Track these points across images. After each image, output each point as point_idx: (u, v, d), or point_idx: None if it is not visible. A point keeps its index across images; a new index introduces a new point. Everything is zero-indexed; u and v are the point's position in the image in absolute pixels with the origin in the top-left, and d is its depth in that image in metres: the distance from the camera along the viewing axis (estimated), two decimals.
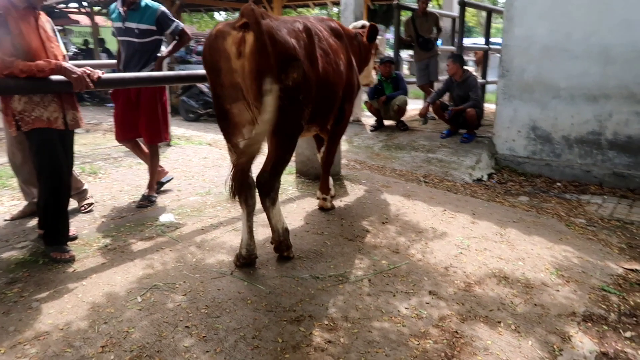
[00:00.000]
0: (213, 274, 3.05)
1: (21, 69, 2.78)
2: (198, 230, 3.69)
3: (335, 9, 17.58)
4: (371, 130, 7.20)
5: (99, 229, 3.68)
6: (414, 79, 8.22)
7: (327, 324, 2.58)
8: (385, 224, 3.99)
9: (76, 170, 5.20)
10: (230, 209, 4.16)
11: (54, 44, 3.09)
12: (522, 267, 3.32)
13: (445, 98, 6.91)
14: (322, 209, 4.23)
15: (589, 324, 2.71)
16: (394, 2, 7.70)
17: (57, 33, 3.23)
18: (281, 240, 3.20)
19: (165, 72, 3.88)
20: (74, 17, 17.50)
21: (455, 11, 8.71)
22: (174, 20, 3.93)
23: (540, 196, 5.07)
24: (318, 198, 4.26)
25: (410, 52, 11.49)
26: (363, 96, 7.64)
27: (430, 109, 6.61)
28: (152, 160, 4.21)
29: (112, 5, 3.95)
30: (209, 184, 4.93)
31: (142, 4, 3.83)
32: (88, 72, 3.04)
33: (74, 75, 2.92)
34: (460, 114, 6.19)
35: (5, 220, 3.82)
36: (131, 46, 3.84)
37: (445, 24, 9.96)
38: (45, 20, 3.12)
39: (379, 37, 4.53)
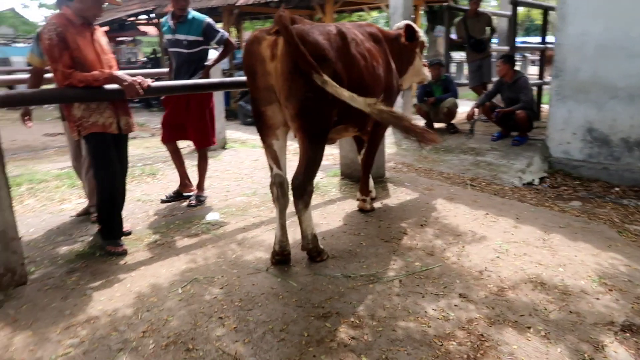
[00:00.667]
0: (249, 269, 3.22)
1: (79, 79, 3.09)
2: (240, 229, 3.89)
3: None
4: None
5: (151, 226, 3.97)
6: (466, 81, 8.08)
7: (352, 321, 2.66)
8: (424, 226, 4.00)
9: (137, 171, 5.62)
10: (273, 209, 4.31)
11: (108, 55, 3.39)
12: (561, 273, 3.23)
13: (498, 100, 6.75)
14: (361, 210, 4.30)
15: (627, 334, 2.61)
16: (444, 3, 7.62)
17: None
18: (310, 248, 3.31)
19: (209, 80, 4.11)
20: (142, 28, 18.59)
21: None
22: (218, 31, 4.17)
23: (594, 201, 4.85)
24: (357, 199, 4.34)
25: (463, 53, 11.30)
26: (413, 99, 7.61)
27: (477, 111, 6.48)
28: (202, 162, 4.47)
29: (164, 19, 4.25)
30: (256, 185, 5.14)
31: (190, 16, 4.11)
32: (139, 80, 3.31)
33: (126, 84, 3.19)
34: (510, 116, 6.03)
35: (71, 216, 4.21)
36: (180, 56, 4.13)
37: (502, 23, 9.70)
38: (100, 34, 3.42)
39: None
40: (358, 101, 2.93)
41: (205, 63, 4.24)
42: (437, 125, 7.25)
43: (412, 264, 3.34)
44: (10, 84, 10.95)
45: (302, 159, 3.17)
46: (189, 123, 4.22)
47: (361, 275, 3.18)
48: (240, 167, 6.02)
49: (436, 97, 6.79)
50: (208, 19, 4.16)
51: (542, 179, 5.55)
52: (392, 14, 7.43)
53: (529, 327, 2.63)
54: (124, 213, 4.05)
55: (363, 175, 4.29)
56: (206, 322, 2.62)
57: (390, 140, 7.25)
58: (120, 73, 3.24)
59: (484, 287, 3.04)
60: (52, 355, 2.32)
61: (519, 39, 25.34)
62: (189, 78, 4.08)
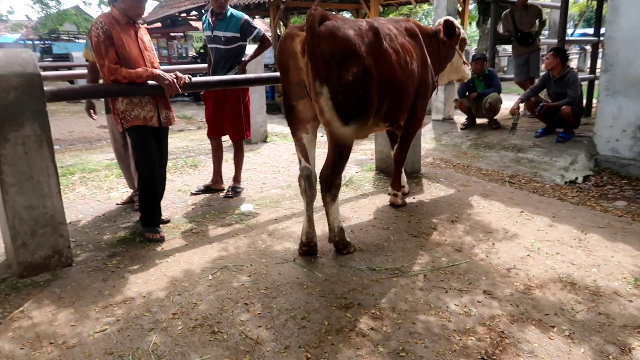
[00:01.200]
0: (277, 259, 3.33)
1: (123, 75, 3.29)
2: (272, 220, 4.01)
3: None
4: (461, 129, 7.04)
5: (188, 215, 4.16)
6: (511, 76, 7.86)
7: (373, 313, 2.71)
8: (455, 222, 3.97)
9: (180, 162, 5.86)
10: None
11: (150, 53, 3.57)
12: (595, 274, 3.14)
13: (544, 96, 6.53)
14: (392, 205, 4.32)
15: None
16: None
17: (152, 44, 3.72)
18: (337, 240, 3.37)
19: (244, 75, 4.23)
20: (194, 24, 19.18)
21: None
22: (255, 27, 4.29)
23: None
24: (389, 194, 4.36)
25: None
26: (454, 94, 7.48)
27: (522, 106, 6.28)
28: (238, 154, 4.63)
29: (204, 16, 4.42)
30: (292, 179, 5.25)
31: (228, 13, 4.24)
32: (176, 76, 3.48)
33: (166, 82, 3.36)
34: (555, 111, 5.82)
35: (117, 204, 4.47)
36: (218, 52, 4.29)
37: (554, 15, 9.32)
38: (144, 32, 3.61)
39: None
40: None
41: (242, 59, 4.37)
42: (479, 120, 7.10)
43: (438, 260, 3.34)
44: (71, 79, 11.60)
45: (330, 153, 3.23)
46: (225, 117, 4.38)
47: (386, 268, 3.21)
48: (279, 161, 6.15)
49: (478, 92, 6.65)
50: (245, 16, 4.29)
51: (586, 177, 5.35)
52: (436, 7, 7.33)
53: (553, 327, 2.59)
54: (164, 202, 4.28)
55: (395, 170, 4.31)
56: (232, 307, 2.75)
57: (430, 136, 7.18)
58: (162, 72, 3.41)
59: (510, 285, 3.00)
60: (90, 331, 2.52)
61: (579, 31, 24.18)
62: (226, 73, 4.23)
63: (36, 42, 25.82)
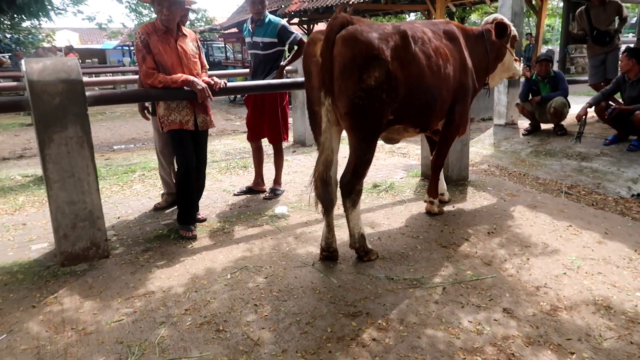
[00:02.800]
0: (297, 263, 3.36)
1: (159, 80, 3.49)
2: (302, 223, 4.04)
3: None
4: (524, 135, 6.63)
5: (225, 215, 4.32)
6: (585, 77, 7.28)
7: (379, 323, 2.65)
8: (491, 234, 3.77)
9: (232, 163, 6.08)
10: (339, 207, 4.41)
11: (191, 60, 3.74)
12: (637, 298, 2.84)
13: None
14: (428, 213, 4.19)
15: None
16: None
17: (201, 49, 3.90)
18: (357, 247, 3.33)
19: (280, 80, 4.31)
20: None
21: None
22: (292, 32, 4.35)
23: None
24: (425, 201, 4.23)
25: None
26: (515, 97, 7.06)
27: (592, 111, 5.79)
28: (277, 157, 4.72)
29: (245, 24, 4.56)
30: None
31: (266, 20, 4.35)
32: (212, 83, 3.63)
33: (199, 88, 3.52)
34: (627, 116, 5.31)
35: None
36: (257, 57, 4.40)
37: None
38: (189, 39, 3.77)
39: None
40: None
41: (280, 63, 4.46)
42: (544, 126, 6.65)
43: (463, 272, 3.19)
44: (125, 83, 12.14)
45: (351, 158, 3.22)
46: (264, 120, 4.49)
47: (405, 278, 3.13)
48: None
49: (542, 95, 6.23)
50: (282, 22, 4.37)
51: None
52: (501, 6, 6.98)
53: (573, 353, 2.39)
54: (206, 201, 4.50)
55: (432, 176, 4.17)
56: (242, 307, 2.82)
57: (489, 142, 6.86)
58: (195, 78, 3.57)
59: (535, 304, 2.80)
60: (108, 320, 2.70)
61: None
62: (264, 78, 4.34)
63: (131, 48, 27.93)
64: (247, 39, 4.46)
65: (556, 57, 9.19)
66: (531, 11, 11.39)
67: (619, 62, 5.63)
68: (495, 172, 5.71)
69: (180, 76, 3.53)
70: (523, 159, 5.96)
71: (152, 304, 2.87)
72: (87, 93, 3.28)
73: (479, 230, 3.86)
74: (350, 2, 10.72)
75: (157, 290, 3.02)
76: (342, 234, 3.65)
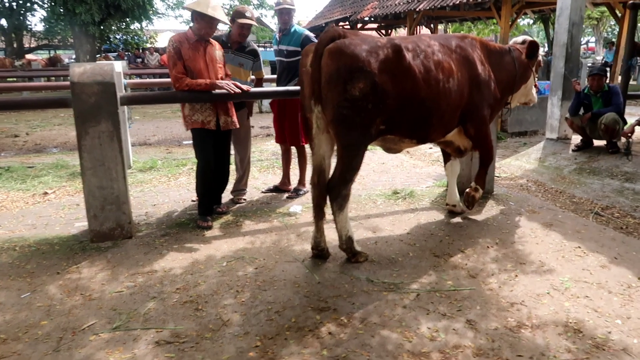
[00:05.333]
0: (289, 258, 3.61)
1: (187, 84, 3.90)
2: (309, 222, 4.28)
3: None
4: (573, 150, 6.32)
5: (244, 209, 4.67)
6: None
7: (341, 320, 2.83)
8: (490, 248, 3.76)
9: (270, 163, 6.46)
10: (352, 210, 4.60)
11: (217, 65, 4.13)
12: (615, 326, 2.76)
13: None
14: (467, 199, 4.34)
15: None
16: (630, 1, 6.48)
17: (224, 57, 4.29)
18: (344, 249, 3.50)
19: (296, 87, 4.56)
20: None
21: None
22: (315, 42, 4.59)
23: None
24: (470, 187, 4.35)
25: None
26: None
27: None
28: (300, 159, 5.00)
29: (274, 33, 4.89)
30: (359, 187, 5.42)
31: (292, 29, 4.64)
32: (233, 86, 3.98)
33: (221, 85, 3.90)
34: None
35: (192, 201, 5.14)
36: (282, 64, 4.71)
37: None
38: (216, 48, 4.18)
39: None
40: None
41: None
42: (597, 142, 6.29)
43: (443, 282, 3.26)
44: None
45: (338, 164, 3.39)
46: (285, 124, 4.78)
47: (384, 282, 3.26)
48: (363, 169, 6.16)
49: (592, 111, 5.90)
50: (307, 32, 4.63)
51: None
52: (558, 16, 6.71)
53: None
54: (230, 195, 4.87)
55: (479, 172, 4.32)
56: (225, 292, 3.13)
57: (535, 156, 6.63)
58: (219, 81, 3.94)
59: (502, 319, 2.82)
60: (112, 290, 3.14)
61: None
62: (287, 84, 4.63)
63: None
64: (275, 47, 4.79)
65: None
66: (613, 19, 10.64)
67: None
68: (531, 187, 5.54)
69: (205, 80, 3.92)
70: (564, 176, 5.72)
71: (151, 280, 3.28)
72: (120, 94, 3.77)
73: (480, 243, 3.86)
74: (418, 9, 10.71)
75: (160, 270, 3.42)
76: (330, 232, 3.81)
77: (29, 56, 24.72)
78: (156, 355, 2.53)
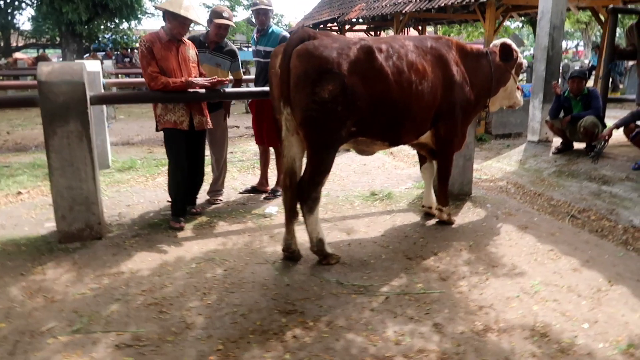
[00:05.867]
0: (260, 260, 3.56)
1: (161, 82, 3.84)
2: (283, 224, 4.18)
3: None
4: (554, 153, 6.32)
5: (219, 210, 4.62)
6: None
7: (307, 323, 2.79)
8: (463, 250, 3.75)
9: (252, 164, 6.40)
10: (328, 211, 4.57)
11: (191, 65, 4.08)
12: (582, 330, 2.74)
13: None
14: (440, 221, 4.30)
15: None
16: (609, 5, 6.52)
17: (198, 56, 4.24)
18: (315, 251, 3.46)
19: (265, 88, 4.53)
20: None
21: None
22: None
23: None
24: (435, 209, 4.32)
25: None
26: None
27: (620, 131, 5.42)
28: (278, 160, 4.94)
29: (253, 33, 4.85)
30: (338, 188, 5.39)
31: (270, 30, 4.60)
32: (210, 82, 3.93)
33: (199, 84, 3.86)
34: None
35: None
36: (259, 65, 4.67)
37: None
38: (188, 47, 4.12)
39: None
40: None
41: None
42: (577, 145, 6.30)
43: (413, 285, 3.23)
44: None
45: (307, 166, 3.35)
46: (264, 125, 4.74)
47: (353, 284, 3.23)
48: (344, 170, 6.31)
49: (572, 114, 5.91)
50: (284, 33, 4.60)
51: None
52: (540, 19, 6.73)
53: None
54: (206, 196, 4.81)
55: (439, 187, 4.28)
56: (191, 294, 3.08)
57: (517, 158, 6.63)
58: (193, 79, 3.89)
59: (469, 323, 2.80)
60: (75, 292, 3.08)
61: None
62: (265, 85, 4.59)
63: None
64: (253, 47, 4.75)
65: None
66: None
67: None
68: (510, 189, 5.54)
69: (180, 78, 3.86)
70: (543, 179, 5.72)
71: (117, 282, 3.22)
72: (90, 93, 3.71)
73: (453, 245, 3.83)
74: (404, 11, 10.72)
75: (127, 271, 3.36)
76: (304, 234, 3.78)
77: (17, 55, 24.48)
78: (114, 359, 2.47)
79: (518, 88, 4.44)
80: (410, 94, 3.50)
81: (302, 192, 3.36)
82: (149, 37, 3.93)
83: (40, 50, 29.10)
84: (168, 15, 3.87)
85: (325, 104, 3.14)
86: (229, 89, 4.27)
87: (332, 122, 3.22)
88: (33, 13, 21.47)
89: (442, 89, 3.76)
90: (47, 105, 3.52)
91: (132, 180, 5.72)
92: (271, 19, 4.70)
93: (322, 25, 16.63)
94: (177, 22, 3.91)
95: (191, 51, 4.15)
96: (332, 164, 3.42)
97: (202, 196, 4.91)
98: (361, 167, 6.49)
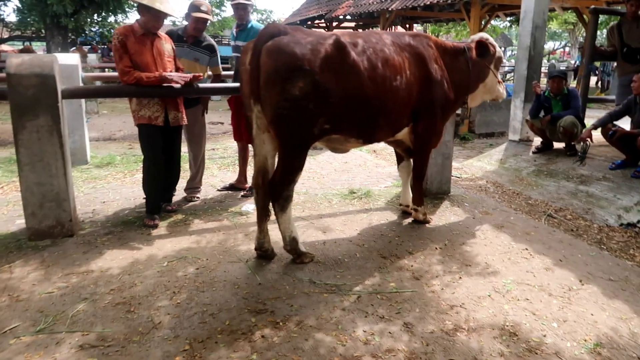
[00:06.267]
0: (233, 258, 3.53)
1: (135, 77, 3.78)
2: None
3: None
4: (534, 152, 6.36)
5: (195, 207, 4.57)
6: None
7: (277, 323, 2.76)
8: (438, 249, 3.74)
9: (234, 160, 6.34)
10: (305, 209, 4.54)
11: (166, 59, 4.02)
12: (551, 329, 2.75)
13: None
14: (415, 220, 4.28)
15: None
16: (591, 6, 6.56)
17: (175, 51, 4.18)
18: (289, 250, 3.43)
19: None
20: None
21: None
22: None
23: None
24: (411, 209, 4.32)
25: None
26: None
27: (595, 133, 5.46)
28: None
29: (232, 28, 4.79)
30: (318, 186, 5.37)
31: (249, 25, 4.55)
32: (184, 79, 3.87)
33: (173, 80, 3.79)
34: (633, 140, 4.98)
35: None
36: (238, 61, 4.61)
37: None
38: (165, 41, 4.06)
39: None
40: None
41: None
42: (557, 144, 6.34)
43: (386, 284, 3.22)
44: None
45: (279, 165, 3.30)
46: (242, 121, 4.69)
47: (326, 283, 3.21)
48: (325, 168, 6.29)
49: (552, 114, 5.95)
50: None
51: None
52: (522, 18, 6.75)
53: None
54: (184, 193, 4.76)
55: (414, 186, 4.24)
56: (161, 293, 3.03)
57: (497, 157, 6.66)
58: (168, 74, 3.83)
59: (440, 322, 2.79)
60: (42, 291, 3.01)
61: None
62: None
63: None
64: (232, 42, 4.70)
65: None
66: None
67: (632, 83, 5.28)
68: (490, 188, 5.56)
69: (153, 73, 3.80)
70: (522, 178, 5.75)
71: (86, 281, 3.16)
72: (62, 87, 3.64)
73: (429, 244, 3.83)
74: (390, 9, 10.70)
75: (96, 270, 3.31)
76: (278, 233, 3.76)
77: (2, 46, 24.07)
78: (78, 359, 2.43)
79: (499, 82, 4.42)
80: (385, 90, 3.46)
81: (273, 191, 3.31)
82: (122, 30, 3.85)
83: (26, 43, 28.69)
84: (142, 8, 3.81)
85: (296, 102, 3.09)
86: (205, 85, 4.21)
87: (303, 119, 3.17)
88: (18, 4, 21.15)
89: (419, 86, 3.73)
90: (15, 98, 3.45)
91: (110, 176, 5.64)
92: (250, 14, 4.65)
93: (309, 22, 16.57)
94: (151, 15, 3.85)
95: (167, 45, 4.09)
96: (304, 162, 3.38)
97: (180, 193, 4.87)
98: (342, 165, 6.47)
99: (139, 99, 3.93)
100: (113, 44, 3.83)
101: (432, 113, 3.91)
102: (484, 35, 4.26)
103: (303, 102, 3.11)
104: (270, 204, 3.40)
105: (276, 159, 3.40)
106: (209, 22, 4.52)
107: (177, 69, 4.13)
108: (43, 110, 3.51)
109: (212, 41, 4.68)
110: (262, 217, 3.41)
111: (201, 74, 4.03)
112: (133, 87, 3.82)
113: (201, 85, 4.10)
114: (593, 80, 21.22)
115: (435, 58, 3.89)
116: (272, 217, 3.47)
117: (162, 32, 4.13)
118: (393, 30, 14.50)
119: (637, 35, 6.39)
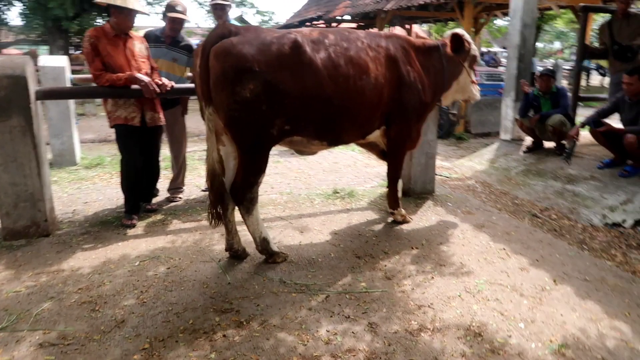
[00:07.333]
0: (206, 258, 3.51)
1: (106, 79, 3.78)
2: (239, 222, 4.16)
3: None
4: (524, 152, 6.30)
5: (175, 208, 4.56)
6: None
7: (241, 322, 2.74)
8: (414, 249, 3.71)
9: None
10: (286, 209, 4.52)
11: (139, 60, 4.01)
12: (517, 329, 2.71)
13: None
14: (395, 222, 4.24)
15: None
16: (580, 3, 6.50)
17: (149, 51, 4.18)
18: (260, 250, 3.41)
19: None
20: None
21: None
22: None
23: None
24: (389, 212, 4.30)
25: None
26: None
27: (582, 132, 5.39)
28: None
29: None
30: (303, 186, 5.35)
31: None
32: (160, 83, 3.87)
33: (142, 83, 3.78)
34: (621, 139, 4.91)
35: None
36: None
37: None
38: (134, 42, 4.03)
39: None
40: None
41: None
42: (547, 144, 6.27)
43: (357, 283, 3.19)
44: None
45: (239, 168, 3.25)
46: None
47: (296, 283, 3.18)
48: (314, 168, 6.27)
49: (541, 113, 5.88)
50: None
51: (638, 222, 4.45)
52: (511, 17, 6.70)
53: None
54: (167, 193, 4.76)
55: (389, 189, 4.21)
56: (128, 292, 3.03)
57: (488, 157, 6.61)
58: (139, 74, 3.83)
59: (405, 322, 2.76)
60: (10, 290, 3.02)
61: None
62: None
63: None
64: None
65: None
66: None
67: (622, 80, 5.21)
68: (477, 188, 5.52)
69: (125, 74, 3.80)
70: (511, 177, 5.70)
71: (55, 280, 3.16)
72: (37, 88, 3.65)
73: (405, 244, 3.80)
74: (385, 9, 10.67)
75: (67, 269, 3.31)
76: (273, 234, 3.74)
77: (6, 51, 24.35)
78: (35, 357, 2.42)
79: (473, 82, 4.33)
80: (347, 89, 3.34)
81: (236, 194, 3.26)
82: (93, 32, 3.83)
83: (33, 47, 28.98)
84: (113, 9, 3.80)
85: (248, 104, 3.02)
86: (180, 85, 4.21)
87: (257, 121, 3.09)
88: (22, 9, 21.37)
89: (390, 88, 3.64)
90: None
91: (97, 177, 5.65)
92: (229, 14, 4.65)
93: (308, 23, 16.57)
94: (122, 16, 3.85)
95: (140, 45, 4.08)
96: (266, 163, 3.31)
97: (163, 194, 4.87)
98: (331, 165, 6.45)
99: (114, 100, 3.94)
100: (84, 47, 3.82)
101: (405, 117, 3.82)
102: (458, 30, 4.18)
103: (255, 103, 3.03)
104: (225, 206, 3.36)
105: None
106: (185, 21, 4.51)
107: (153, 69, 4.12)
108: (15, 111, 3.52)
109: (190, 41, 4.68)
110: (219, 219, 3.35)
111: (172, 83, 4.00)
112: (108, 88, 3.82)
113: (180, 85, 4.09)
114: (598, 79, 21.08)
115: (409, 60, 3.78)
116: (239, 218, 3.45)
117: (139, 34, 4.13)
118: (391, 30, 14.44)
119: (628, 33, 6.33)
